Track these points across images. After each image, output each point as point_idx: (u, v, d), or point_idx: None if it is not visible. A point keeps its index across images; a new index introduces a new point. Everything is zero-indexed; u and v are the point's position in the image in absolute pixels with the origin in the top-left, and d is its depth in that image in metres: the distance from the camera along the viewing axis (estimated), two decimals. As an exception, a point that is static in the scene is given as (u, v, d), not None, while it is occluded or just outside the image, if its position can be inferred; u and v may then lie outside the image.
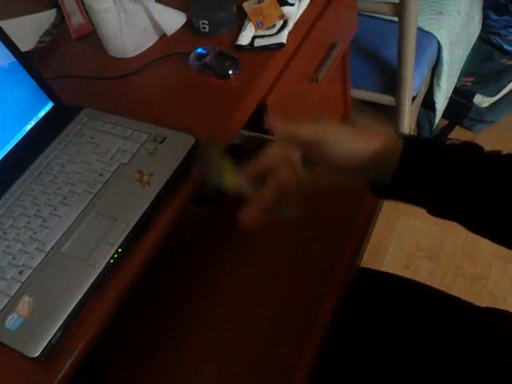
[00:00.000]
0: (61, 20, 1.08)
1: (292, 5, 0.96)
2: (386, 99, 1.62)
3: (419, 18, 1.40)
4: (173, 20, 0.97)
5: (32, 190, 0.75)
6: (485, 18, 1.93)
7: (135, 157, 0.76)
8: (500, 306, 0.79)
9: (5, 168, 0.76)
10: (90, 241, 0.68)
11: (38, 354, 0.59)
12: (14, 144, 0.78)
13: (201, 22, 0.94)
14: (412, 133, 1.87)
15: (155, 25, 0.96)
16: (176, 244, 0.81)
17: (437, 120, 1.85)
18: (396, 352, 0.74)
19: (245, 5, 0.96)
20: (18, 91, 0.78)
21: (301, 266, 0.76)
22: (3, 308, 0.63)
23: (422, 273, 1.61)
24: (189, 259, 0.81)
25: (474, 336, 0.75)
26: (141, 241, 0.69)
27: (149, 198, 0.70)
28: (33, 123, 0.80)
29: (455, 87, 1.86)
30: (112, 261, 0.66)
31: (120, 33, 0.93)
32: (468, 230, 0.57)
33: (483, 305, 0.80)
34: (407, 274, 0.85)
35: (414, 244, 1.66)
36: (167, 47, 0.96)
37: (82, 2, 1.02)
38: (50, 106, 0.82)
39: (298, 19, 0.97)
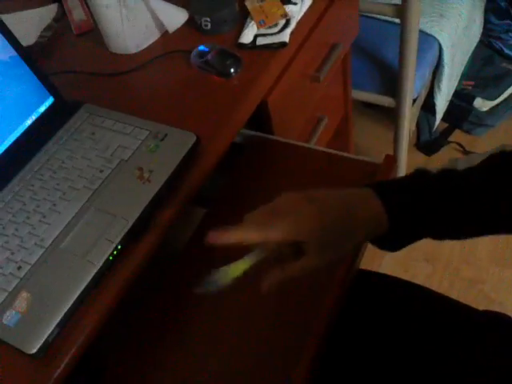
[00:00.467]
0: (62, 15, 1.08)
1: (295, 4, 0.96)
2: (386, 101, 1.61)
3: (421, 20, 1.39)
4: (175, 17, 0.97)
5: (31, 186, 0.74)
6: (486, 21, 1.94)
7: (136, 153, 0.76)
8: (496, 309, 0.79)
9: (4, 163, 0.76)
10: (89, 237, 0.67)
11: (35, 350, 0.58)
12: (14, 139, 0.77)
13: (203, 19, 0.94)
14: (412, 135, 1.87)
15: (157, 22, 0.96)
16: (175, 243, 0.81)
17: (437, 123, 1.85)
18: (394, 353, 0.74)
19: (247, 3, 0.96)
20: (19, 86, 0.78)
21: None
22: (1, 304, 0.63)
23: (420, 276, 1.61)
24: (188, 259, 0.81)
25: (472, 338, 0.75)
26: (140, 238, 0.68)
27: (149, 195, 0.70)
28: (33, 118, 0.80)
29: (456, 90, 1.86)
30: (111, 258, 0.65)
31: (122, 29, 0.92)
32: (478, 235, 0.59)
33: (480, 308, 0.80)
34: (405, 277, 0.85)
35: (411, 247, 1.65)
36: (169, 44, 0.96)
37: (84, -2, 1.01)
38: (50, 101, 0.82)
39: (301, 18, 0.97)
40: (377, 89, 1.61)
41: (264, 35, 0.92)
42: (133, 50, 0.96)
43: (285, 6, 0.94)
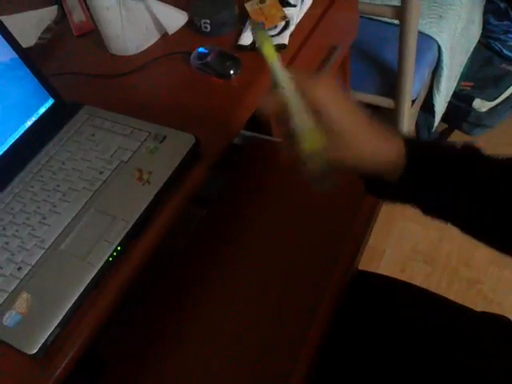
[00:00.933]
0: (62, 17, 1.08)
1: (294, 6, 0.96)
2: (385, 102, 1.62)
3: (420, 22, 1.40)
4: (174, 19, 0.97)
5: (32, 187, 0.75)
6: (485, 23, 1.94)
7: (135, 155, 0.76)
8: (495, 309, 0.80)
9: (4, 164, 0.76)
10: (89, 238, 0.68)
11: (35, 351, 0.59)
12: (14, 140, 0.78)
13: (202, 21, 0.94)
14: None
15: (157, 23, 0.96)
16: (175, 244, 0.81)
17: (436, 124, 1.85)
18: (392, 354, 0.74)
19: (247, 5, 0.96)
20: (19, 87, 0.78)
21: (299, 268, 0.76)
22: (1, 304, 0.63)
23: (418, 276, 1.61)
24: (188, 259, 0.81)
25: (469, 340, 0.75)
26: (140, 239, 0.69)
27: (148, 197, 0.70)
28: (33, 119, 0.80)
29: (455, 91, 1.86)
30: (111, 259, 0.66)
31: (121, 31, 0.93)
32: (463, 232, 0.58)
33: (478, 308, 0.80)
34: (403, 278, 0.85)
35: (410, 247, 1.66)
36: (168, 46, 0.96)
37: (84, -1, 1.02)
38: (50, 102, 0.82)
39: (300, 20, 0.97)
40: (376, 90, 1.61)
41: (263, 37, 0.92)
42: (133, 52, 0.96)
43: (284, 8, 0.95)
